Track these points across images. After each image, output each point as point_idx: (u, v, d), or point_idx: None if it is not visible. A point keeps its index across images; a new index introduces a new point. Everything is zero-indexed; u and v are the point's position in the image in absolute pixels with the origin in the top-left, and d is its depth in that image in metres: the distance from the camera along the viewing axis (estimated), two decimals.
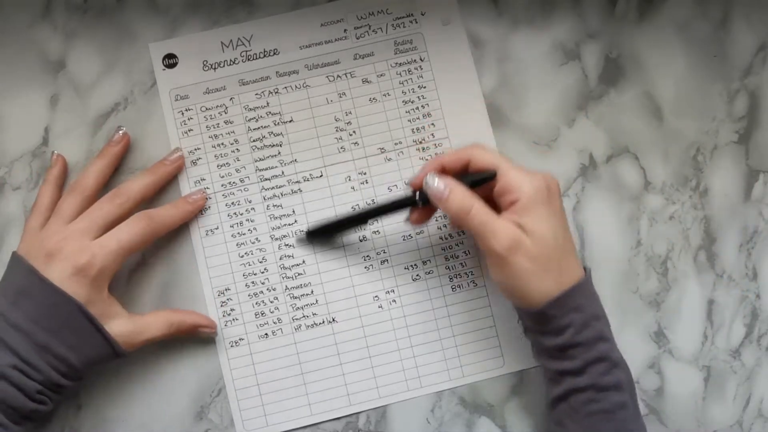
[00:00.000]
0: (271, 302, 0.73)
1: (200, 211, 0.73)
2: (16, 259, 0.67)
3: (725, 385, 0.73)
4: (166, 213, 0.70)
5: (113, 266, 0.67)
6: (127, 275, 0.72)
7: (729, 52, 0.76)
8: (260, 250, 0.73)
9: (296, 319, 0.73)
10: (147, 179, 0.70)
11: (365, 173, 0.74)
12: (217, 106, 0.74)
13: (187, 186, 0.73)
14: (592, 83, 0.75)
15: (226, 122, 0.74)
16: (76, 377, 0.66)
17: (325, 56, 0.75)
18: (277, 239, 0.73)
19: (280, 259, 0.73)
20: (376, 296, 0.73)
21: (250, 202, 0.73)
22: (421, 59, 0.75)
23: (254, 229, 0.73)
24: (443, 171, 0.66)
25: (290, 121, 0.74)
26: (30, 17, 0.74)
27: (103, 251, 0.66)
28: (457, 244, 0.74)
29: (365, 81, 0.75)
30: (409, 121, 0.74)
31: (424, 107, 0.75)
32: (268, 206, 0.73)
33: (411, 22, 0.75)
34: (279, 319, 0.73)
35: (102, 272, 0.66)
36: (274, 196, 0.73)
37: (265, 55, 0.74)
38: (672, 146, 0.75)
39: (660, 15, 0.76)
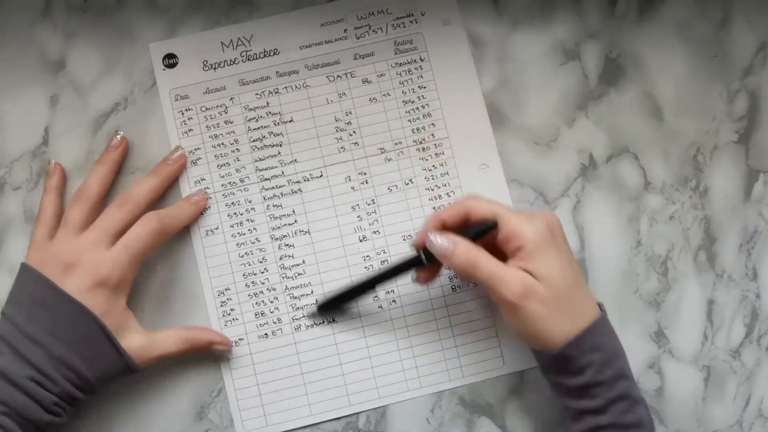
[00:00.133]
0: (271, 302, 0.73)
1: (202, 211, 0.73)
2: (29, 271, 0.67)
3: (725, 385, 0.73)
4: (172, 214, 0.71)
5: (131, 275, 0.68)
6: None
7: (729, 52, 0.76)
8: (260, 250, 0.73)
9: (296, 319, 0.73)
10: (152, 182, 0.71)
11: (365, 173, 0.74)
12: (217, 106, 0.74)
13: (187, 186, 0.73)
14: (592, 83, 0.75)
15: (226, 122, 0.74)
16: (90, 391, 0.66)
17: (325, 56, 0.75)
18: (277, 239, 0.73)
19: (280, 259, 0.73)
20: (375, 296, 0.73)
21: (250, 202, 0.73)
22: (421, 59, 0.75)
23: (254, 229, 0.73)
24: (444, 227, 0.66)
25: (290, 121, 0.74)
26: (30, 17, 0.74)
27: (119, 261, 0.67)
28: None
29: (365, 81, 0.75)
30: (409, 121, 0.74)
31: (424, 107, 0.75)
32: (268, 206, 0.73)
33: (411, 22, 0.75)
34: (279, 319, 0.73)
35: (121, 282, 0.67)
36: (274, 196, 0.73)
37: (265, 55, 0.74)
38: (672, 146, 0.75)
39: (660, 15, 0.76)
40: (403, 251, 0.73)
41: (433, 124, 0.74)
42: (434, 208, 0.74)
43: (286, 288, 0.73)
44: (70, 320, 0.65)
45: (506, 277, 0.62)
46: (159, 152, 0.73)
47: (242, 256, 0.73)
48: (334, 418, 0.72)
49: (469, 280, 0.72)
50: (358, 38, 0.75)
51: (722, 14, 0.76)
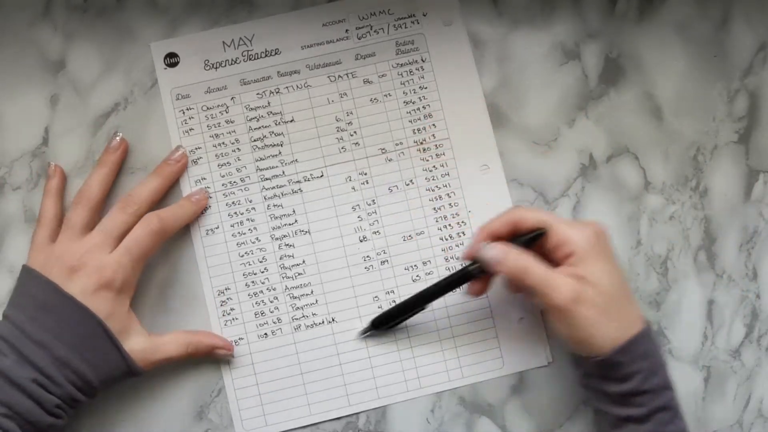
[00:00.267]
0: (271, 302, 0.73)
1: (202, 210, 0.73)
2: (31, 273, 0.67)
3: (725, 385, 0.74)
4: (173, 213, 0.70)
5: (134, 276, 0.69)
6: None
7: (729, 52, 0.76)
8: (260, 249, 0.73)
9: (296, 319, 0.73)
10: (154, 183, 0.71)
11: (366, 173, 0.74)
12: (218, 106, 0.74)
13: (187, 185, 0.73)
14: (592, 83, 0.76)
15: (227, 122, 0.74)
16: (92, 393, 0.66)
17: (326, 56, 0.75)
18: (277, 239, 0.73)
19: (280, 259, 0.73)
20: (376, 296, 0.73)
21: (250, 201, 0.73)
22: (422, 60, 0.75)
23: (254, 228, 0.73)
24: (493, 237, 0.67)
25: (291, 121, 0.74)
26: (30, 17, 0.74)
27: (122, 263, 0.67)
28: (457, 245, 0.74)
29: (366, 81, 0.75)
30: (410, 121, 0.74)
31: (425, 108, 0.75)
32: (268, 206, 0.73)
33: (412, 22, 0.75)
34: (279, 319, 0.73)
35: (124, 284, 0.67)
36: (275, 195, 0.73)
37: (266, 55, 0.74)
38: (672, 146, 0.75)
39: (660, 15, 0.76)
40: (404, 251, 0.73)
41: (434, 124, 0.74)
42: (434, 208, 0.74)
43: (286, 288, 0.73)
44: (74, 323, 0.65)
45: (557, 282, 0.63)
46: (159, 152, 0.73)
47: (242, 256, 0.73)
48: (334, 418, 0.72)
49: (519, 289, 0.71)
50: (359, 38, 0.75)
51: (722, 14, 0.76)
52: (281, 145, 0.74)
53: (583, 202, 0.75)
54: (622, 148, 0.75)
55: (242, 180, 0.73)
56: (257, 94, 0.74)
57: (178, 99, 0.74)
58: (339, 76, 0.74)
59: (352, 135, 0.74)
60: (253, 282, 0.73)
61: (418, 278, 0.73)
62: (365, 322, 0.73)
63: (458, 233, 0.74)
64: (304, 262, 0.73)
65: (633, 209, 0.75)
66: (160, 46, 0.74)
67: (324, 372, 0.72)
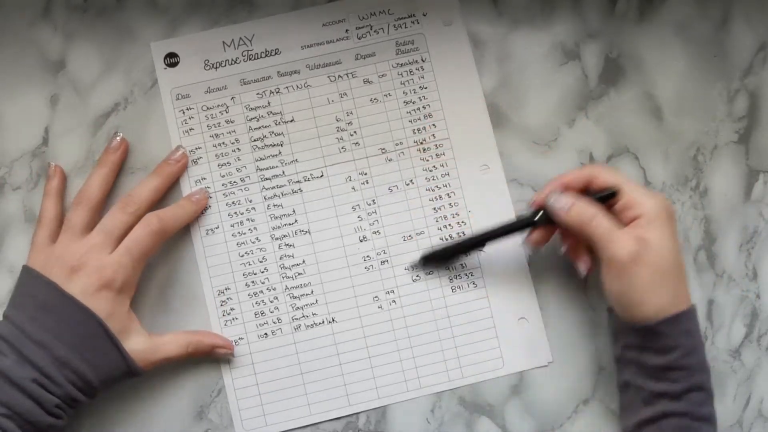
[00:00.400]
0: (271, 302, 0.73)
1: (202, 210, 0.73)
2: (32, 273, 0.67)
3: (725, 385, 0.74)
4: (173, 213, 0.70)
5: (134, 276, 0.69)
6: None
7: (729, 52, 0.76)
8: (260, 249, 0.73)
9: (296, 319, 0.73)
10: (154, 182, 0.71)
11: (366, 173, 0.74)
12: (218, 106, 0.74)
13: (187, 185, 0.73)
14: (592, 83, 0.76)
15: (227, 122, 0.74)
16: (92, 393, 0.66)
17: (326, 56, 0.75)
18: (277, 239, 0.73)
19: (280, 258, 0.73)
20: (376, 296, 0.73)
21: (250, 201, 0.73)
22: (422, 60, 0.75)
23: (254, 228, 0.73)
24: (566, 190, 0.68)
25: (291, 121, 0.74)
26: (30, 17, 0.74)
27: (123, 263, 0.67)
28: None
29: (366, 81, 0.75)
30: (410, 121, 0.74)
31: (425, 108, 0.75)
32: (268, 206, 0.73)
33: (413, 22, 0.75)
34: (279, 319, 0.73)
35: (125, 284, 0.67)
36: (275, 195, 0.73)
37: (266, 55, 0.74)
38: (672, 146, 0.75)
39: (660, 15, 0.76)
40: (404, 251, 0.73)
41: (434, 124, 0.74)
42: (434, 208, 0.74)
43: (286, 288, 0.73)
44: (74, 323, 0.65)
45: (621, 236, 0.64)
46: (159, 152, 0.73)
47: (242, 256, 0.73)
48: (334, 418, 0.72)
49: (574, 249, 0.71)
50: (359, 38, 0.75)
51: (722, 14, 0.76)
52: (281, 145, 0.74)
53: None
54: (622, 148, 0.75)
55: (242, 180, 0.73)
56: (257, 94, 0.74)
57: (178, 99, 0.74)
58: (339, 76, 0.74)
59: (352, 135, 0.74)
60: (253, 282, 0.73)
61: (418, 278, 0.73)
62: (416, 257, 0.73)
63: (458, 233, 0.74)
64: (304, 262, 0.73)
65: None
66: (160, 46, 0.74)
67: (324, 372, 0.72)
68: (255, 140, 0.74)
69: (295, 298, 0.73)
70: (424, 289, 0.73)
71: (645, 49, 0.76)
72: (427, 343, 0.73)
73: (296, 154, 0.74)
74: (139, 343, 0.68)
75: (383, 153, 0.74)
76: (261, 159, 0.74)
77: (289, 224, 0.73)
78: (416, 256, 0.73)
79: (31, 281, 0.67)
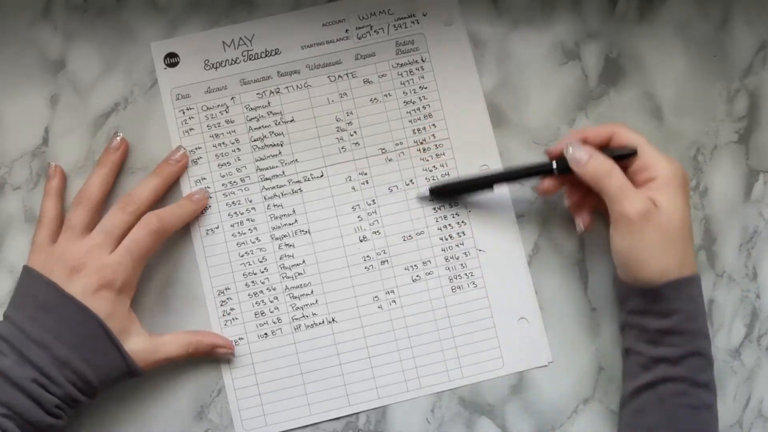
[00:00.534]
0: (271, 302, 0.73)
1: (202, 210, 0.73)
2: (32, 273, 0.67)
3: (725, 385, 0.73)
4: (172, 213, 0.70)
5: (135, 276, 0.69)
6: None
7: (729, 52, 0.76)
8: (260, 249, 0.73)
9: (296, 319, 0.73)
10: (154, 182, 0.71)
11: (366, 173, 0.74)
12: (218, 106, 0.74)
13: (188, 185, 0.73)
14: (592, 83, 0.76)
15: (227, 122, 0.74)
16: (92, 394, 0.66)
17: (326, 56, 0.75)
18: (277, 239, 0.73)
19: (280, 258, 0.73)
20: (376, 296, 0.73)
21: (250, 201, 0.73)
22: (422, 60, 0.75)
23: (254, 228, 0.73)
24: (585, 143, 0.68)
25: (291, 121, 0.74)
26: (30, 17, 0.74)
27: (123, 263, 0.67)
28: (457, 245, 0.74)
29: (366, 81, 0.75)
30: (410, 121, 0.74)
31: (425, 108, 0.75)
32: (268, 206, 0.73)
33: (413, 22, 0.75)
34: (279, 319, 0.73)
35: (125, 284, 0.67)
36: (275, 195, 0.73)
37: (266, 55, 0.74)
38: (672, 146, 0.75)
39: (660, 15, 0.76)
40: (404, 251, 0.73)
41: (434, 124, 0.74)
42: (434, 208, 0.74)
43: (286, 288, 0.73)
44: (75, 323, 0.65)
45: (634, 194, 0.64)
46: (159, 152, 0.73)
47: (242, 256, 0.73)
48: (334, 418, 0.72)
49: (581, 202, 0.71)
50: (359, 38, 0.75)
51: (722, 14, 0.76)
52: (281, 145, 0.74)
53: None
54: None
55: (242, 180, 0.73)
56: (257, 94, 0.74)
57: (178, 99, 0.74)
58: (339, 76, 0.74)
59: (352, 135, 0.74)
60: (253, 282, 0.73)
61: (418, 278, 0.73)
62: (425, 190, 0.74)
63: (458, 233, 0.74)
64: (304, 262, 0.73)
65: None
66: (160, 46, 0.74)
67: (324, 372, 0.72)
68: (255, 140, 0.74)
69: (295, 298, 0.73)
70: (424, 289, 0.73)
71: (645, 49, 0.76)
72: (427, 343, 0.73)
73: (296, 154, 0.74)
74: (139, 343, 0.68)
75: (383, 153, 0.74)
76: (261, 159, 0.74)
77: (289, 224, 0.73)
78: (424, 189, 0.74)
79: (31, 281, 0.67)
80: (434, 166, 0.74)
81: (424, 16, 0.75)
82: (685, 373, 0.64)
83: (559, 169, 0.68)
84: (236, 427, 0.72)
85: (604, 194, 0.66)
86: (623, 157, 0.67)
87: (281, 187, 0.74)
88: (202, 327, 0.72)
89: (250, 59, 0.74)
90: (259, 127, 0.74)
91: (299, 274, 0.73)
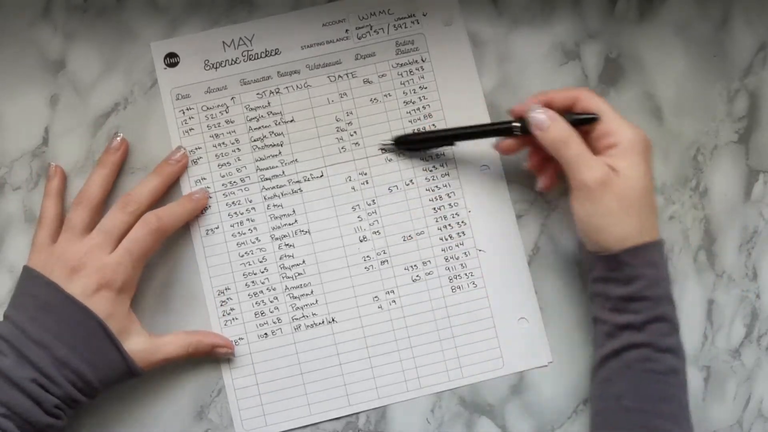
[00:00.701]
0: (271, 302, 0.73)
1: (202, 210, 0.73)
2: (32, 274, 0.67)
3: (725, 385, 0.74)
4: (172, 212, 0.70)
5: (135, 276, 0.69)
6: None
7: (729, 52, 0.76)
8: (260, 249, 0.73)
9: (296, 319, 0.73)
10: (154, 182, 0.71)
11: (366, 173, 0.74)
12: (218, 106, 0.74)
13: (187, 185, 0.73)
14: (592, 83, 0.76)
15: (227, 122, 0.74)
16: (92, 394, 0.66)
17: (326, 56, 0.75)
18: (277, 239, 0.73)
19: (280, 258, 0.73)
20: (375, 296, 0.73)
21: (250, 201, 0.73)
22: (422, 60, 0.75)
23: (254, 228, 0.73)
24: (548, 106, 0.68)
25: (291, 121, 0.74)
26: (30, 17, 0.74)
27: (123, 263, 0.67)
28: (457, 245, 0.74)
29: (366, 81, 0.75)
30: (410, 121, 0.74)
31: (425, 108, 0.75)
32: (268, 206, 0.73)
33: (412, 22, 0.75)
34: (279, 319, 0.73)
35: (125, 285, 0.67)
36: (275, 195, 0.73)
37: (266, 55, 0.74)
38: (672, 146, 0.75)
39: (660, 15, 0.76)
40: (404, 251, 0.73)
41: (434, 124, 0.74)
42: (434, 208, 0.74)
43: (286, 288, 0.73)
44: (75, 323, 0.65)
45: (591, 161, 0.64)
46: (159, 152, 0.73)
47: (242, 256, 0.73)
48: (334, 418, 0.72)
49: (542, 165, 0.71)
50: (359, 38, 0.75)
51: (722, 14, 0.76)
52: (281, 145, 0.74)
53: None
54: None
55: (242, 180, 0.73)
56: (257, 94, 0.74)
57: (178, 99, 0.74)
58: (339, 76, 0.74)
59: (352, 135, 0.74)
60: (253, 282, 0.73)
61: (418, 278, 0.73)
62: (390, 141, 0.74)
63: (458, 233, 0.74)
64: (304, 262, 0.73)
65: None
66: (160, 46, 0.74)
67: (324, 372, 0.72)
68: (255, 140, 0.74)
69: (295, 298, 0.73)
70: (424, 289, 0.73)
71: (645, 49, 0.76)
72: (427, 343, 0.73)
73: (296, 154, 0.74)
74: (139, 344, 0.68)
75: (383, 153, 0.74)
76: (261, 159, 0.74)
77: (289, 224, 0.73)
78: (389, 136, 0.74)
79: (31, 281, 0.67)
80: (434, 166, 0.74)
81: (424, 16, 0.75)
82: (648, 338, 0.63)
83: (522, 130, 0.68)
84: (236, 427, 0.72)
85: (563, 162, 0.66)
86: (584, 122, 0.67)
87: (281, 187, 0.74)
88: (202, 327, 0.72)
89: (250, 59, 0.74)
90: (259, 127, 0.74)
91: (299, 274, 0.73)
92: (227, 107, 0.74)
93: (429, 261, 0.74)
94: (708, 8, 0.76)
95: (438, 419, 0.72)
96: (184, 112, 0.74)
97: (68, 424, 0.66)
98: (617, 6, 0.76)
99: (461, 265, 0.73)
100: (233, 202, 0.73)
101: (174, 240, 0.72)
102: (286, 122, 0.74)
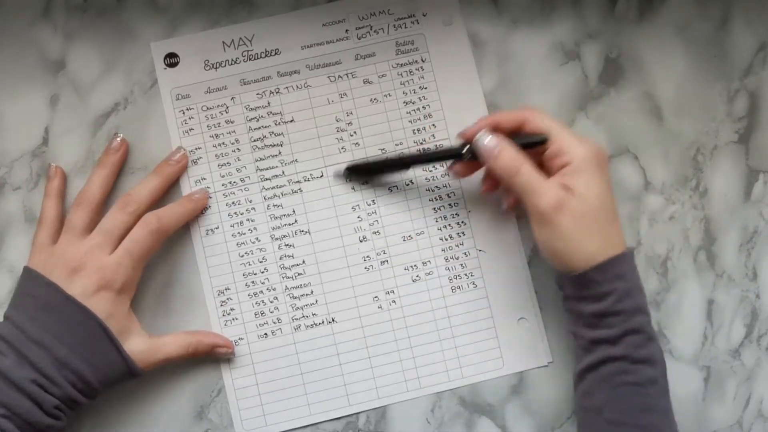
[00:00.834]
0: (271, 302, 0.73)
1: (202, 210, 0.73)
2: (32, 274, 0.67)
3: (725, 385, 0.74)
4: (172, 212, 0.70)
5: (135, 277, 0.69)
6: None
7: (729, 52, 0.76)
8: (260, 249, 0.73)
9: (296, 319, 0.73)
10: (154, 182, 0.71)
11: None
12: (218, 106, 0.74)
13: (187, 185, 0.73)
14: (592, 83, 0.76)
15: (227, 122, 0.74)
16: (92, 395, 0.66)
17: (326, 56, 0.75)
18: (277, 239, 0.73)
19: (280, 259, 0.73)
20: (375, 296, 0.73)
21: (250, 201, 0.73)
22: (422, 60, 0.75)
23: (254, 228, 0.73)
24: (496, 129, 0.67)
25: (291, 121, 0.74)
26: (30, 17, 0.74)
27: (123, 264, 0.67)
28: (457, 245, 0.74)
29: (366, 81, 0.75)
30: (410, 121, 0.74)
31: (425, 108, 0.75)
32: (268, 206, 0.73)
33: (412, 22, 0.75)
34: (279, 319, 0.73)
35: (125, 285, 0.67)
36: (275, 195, 0.73)
37: (266, 55, 0.74)
38: (672, 146, 0.75)
39: (660, 15, 0.76)
40: (404, 251, 0.73)
41: (434, 124, 0.74)
42: (434, 208, 0.74)
43: (286, 288, 0.73)
44: (75, 323, 0.65)
45: (544, 187, 0.63)
46: (159, 152, 0.73)
47: (242, 256, 0.73)
48: (334, 418, 0.72)
49: (495, 186, 0.71)
50: (359, 39, 0.75)
51: (722, 14, 0.76)
52: (281, 145, 0.74)
53: None
54: (622, 148, 0.75)
55: (242, 180, 0.73)
56: (257, 94, 0.74)
57: (178, 99, 0.74)
58: (339, 76, 0.74)
59: (352, 135, 0.74)
60: (253, 282, 0.73)
61: (418, 278, 0.73)
62: (341, 172, 0.74)
63: (458, 233, 0.74)
64: (304, 262, 0.73)
65: (633, 209, 0.75)
66: (160, 46, 0.74)
67: (324, 372, 0.72)
68: (255, 140, 0.74)
69: (295, 298, 0.73)
70: (424, 289, 0.73)
71: (645, 49, 0.76)
72: (427, 343, 0.73)
73: (296, 154, 0.74)
74: (139, 344, 0.68)
75: (383, 153, 0.74)
76: (261, 159, 0.74)
77: (289, 224, 0.73)
78: (341, 167, 0.74)
79: (31, 282, 0.67)
80: (434, 166, 0.74)
81: (424, 16, 0.75)
82: (624, 351, 0.63)
83: (471, 154, 0.68)
84: (236, 427, 0.72)
85: (515, 190, 0.65)
86: (534, 145, 0.66)
87: (281, 187, 0.74)
88: (202, 327, 0.72)
89: (250, 59, 0.74)
90: (259, 128, 0.74)
91: (299, 274, 0.73)
92: (227, 107, 0.74)
93: (429, 261, 0.74)
94: (708, 8, 0.76)
95: (438, 419, 0.72)
96: (184, 112, 0.74)
97: (68, 425, 0.66)
98: (617, 6, 0.76)
99: (461, 265, 0.74)
100: (233, 202, 0.73)
101: (174, 240, 0.72)
102: (286, 122, 0.74)
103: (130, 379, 0.68)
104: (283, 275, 0.73)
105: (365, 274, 0.73)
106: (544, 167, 0.66)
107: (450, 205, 0.74)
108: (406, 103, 0.75)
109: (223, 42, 0.74)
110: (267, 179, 0.74)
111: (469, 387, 0.73)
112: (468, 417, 0.73)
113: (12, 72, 0.74)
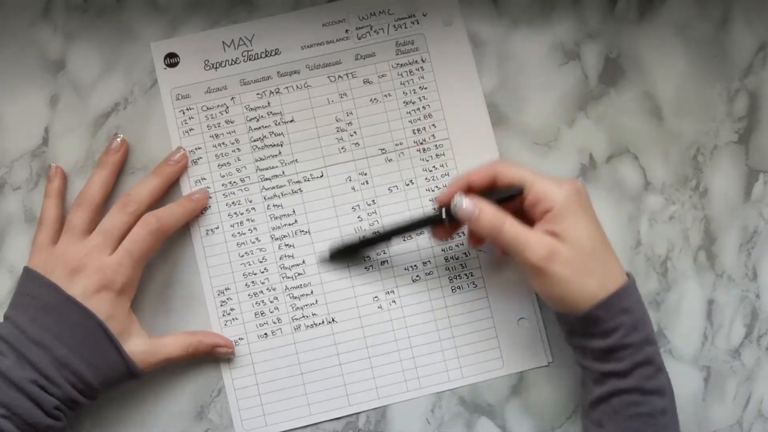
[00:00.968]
0: (271, 302, 0.73)
1: (202, 210, 0.73)
2: (32, 275, 0.67)
3: (725, 385, 0.74)
4: (171, 212, 0.70)
5: (135, 277, 0.69)
6: None
7: (729, 52, 0.76)
8: (260, 250, 0.73)
9: (296, 319, 0.73)
10: (154, 182, 0.71)
11: (366, 173, 0.74)
12: (218, 106, 0.74)
13: (187, 185, 0.73)
14: (592, 83, 0.76)
15: (227, 122, 0.74)
16: (92, 396, 0.66)
17: (326, 56, 0.75)
18: (277, 239, 0.73)
19: (280, 259, 0.73)
20: (375, 297, 0.73)
21: (250, 201, 0.73)
22: (422, 60, 0.75)
23: (254, 228, 0.73)
24: (470, 189, 0.67)
25: (291, 121, 0.74)
26: (30, 17, 0.74)
27: (123, 264, 0.67)
28: (457, 245, 0.74)
29: (366, 81, 0.75)
30: (410, 121, 0.74)
31: (425, 108, 0.75)
32: (268, 206, 0.73)
33: (413, 23, 0.75)
34: (279, 319, 0.73)
35: (125, 286, 0.68)
36: (275, 196, 0.73)
37: (266, 55, 0.74)
38: (672, 146, 0.75)
39: (660, 15, 0.76)
40: (404, 251, 0.73)
41: (434, 124, 0.74)
42: (434, 209, 0.74)
43: (286, 288, 0.73)
44: (75, 324, 0.65)
45: (531, 240, 0.63)
46: (159, 152, 0.73)
47: (242, 256, 0.73)
48: (334, 418, 0.72)
49: (480, 242, 0.72)
50: (359, 39, 0.75)
51: (722, 14, 0.76)
52: (281, 145, 0.74)
53: None
54: (622, 148, 0.75)
55: (242, 180, 0.73)
56: (257, 94, 0.74)
57: (178, 99, 0.74)
58: (339, 76, 0.74)
59: (352, 135, 0.74)
60: (253, 282, 0.73)
61: (418, 278, 0.73)
62: (326, 252, 0.73)
63: (458, 233, 0.74)
64: (304, 262, 0.73)
65: (633, 209, 0.75)
66: (160, 46, 0.74)
67: (324, 372, 0.72)
68: (255, 140, 0.74)
69: (295, 298, 0.73)
70: (424, 289, 0.73)
71: (645, 49, 0.76)
72: (427, 343, 0.73)
73: (296, 154, 0.74)
74: (140, 345, 0.68)
75: (383, 153, 0.74)
76: (261, 159, 0.74)
77: (289, 224, 0.73)
78: (323, 251, 0.73)
79: (31, 282, 0.67)
80: (434, 167, 0.74)
81: (424, 16, 0.75)
82: (634, 383, 0.63)
83: (449, 217, 0.67)
84: (236, 427, 0.72)
85: (502, 246, 0.65)
86: (510, 198, 0.65)
87: (281, 187, 0.74)
88: (202, 327, 0.72)
89: (250, 59, 0.74)
90: (259, 128, 0.74)
91: (299, 274, 0.73)
92: (227, 107, 0.74)
93: (429, 261, 0.74)
94: (708, 8, 0.76)
95: (438, 419, 0.72)
96: (184, 112, 0.74)
97: (68, 425, 0.66)
98: (617, 6, 0.76)
99: (461, 265, 0.74)
100: (233, 202, 0.73)
101: (174, 240, 0.72)
102: (286, 122, 0.74)
103: (131, 380, 0.68)
104: (283, 275, 0.73)
105: (365, 273, 0.73)
106: (527, 215, 0.65)
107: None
108: (406, 103, 0.75)
109: (223, 42, 0.74)
110: (267, 179, 0.74)
111: (469, 387, 0.73)
112: (468, 417, 0.73)
113: (12, 72, 0.74)
